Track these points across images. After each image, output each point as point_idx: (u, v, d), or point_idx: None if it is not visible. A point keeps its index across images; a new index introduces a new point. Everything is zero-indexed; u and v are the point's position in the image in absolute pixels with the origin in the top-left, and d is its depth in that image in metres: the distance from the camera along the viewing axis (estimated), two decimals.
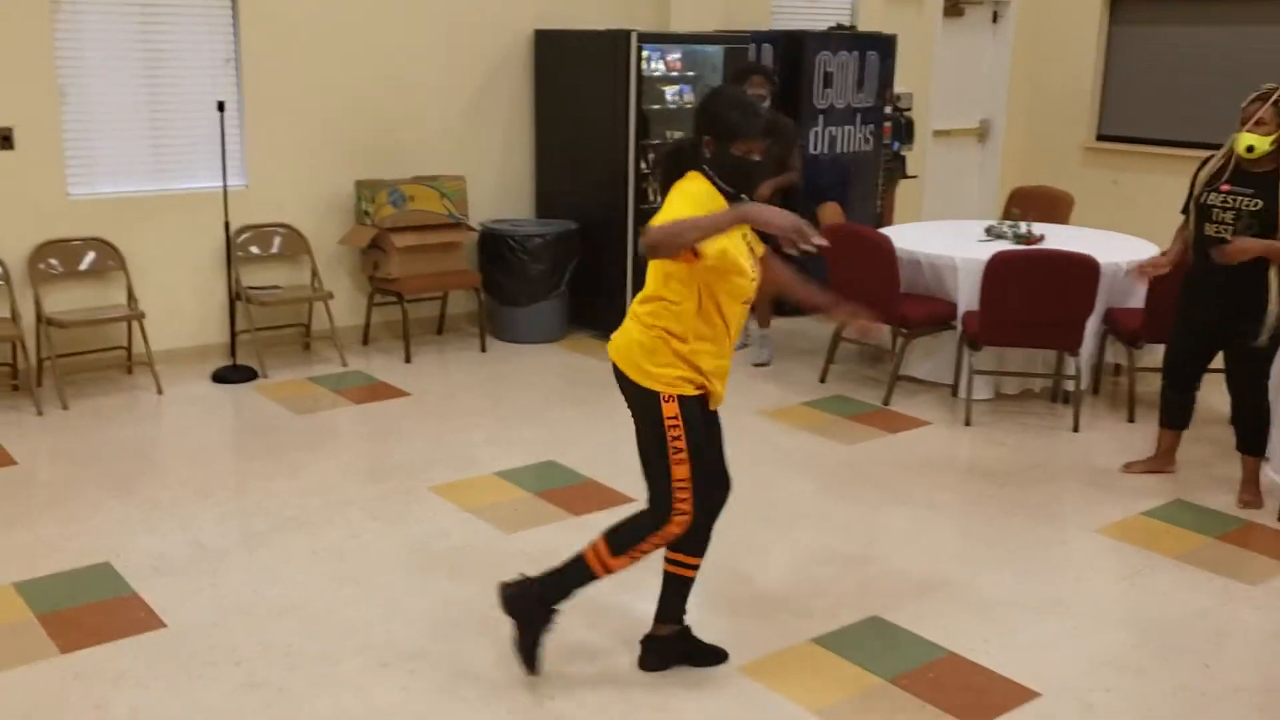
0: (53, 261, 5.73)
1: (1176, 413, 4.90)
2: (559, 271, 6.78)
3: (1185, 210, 4.66)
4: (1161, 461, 5.00)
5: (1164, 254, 4.90)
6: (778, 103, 7.33)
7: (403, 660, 3.35)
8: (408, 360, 6.41)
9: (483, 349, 6.70)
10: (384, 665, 3.33)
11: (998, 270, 5.35)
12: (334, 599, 3.71)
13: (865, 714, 3.14)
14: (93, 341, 5.91)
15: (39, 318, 5.62)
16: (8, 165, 5.58)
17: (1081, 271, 5.31)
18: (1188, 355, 4.77)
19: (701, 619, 3.63)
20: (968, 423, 5.55)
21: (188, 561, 3.95)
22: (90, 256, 5.82)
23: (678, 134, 7.04)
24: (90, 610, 3.59)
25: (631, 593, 3.68)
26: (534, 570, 3.25)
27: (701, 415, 3.08)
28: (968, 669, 3.39)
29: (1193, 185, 4.61)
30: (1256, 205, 4.38)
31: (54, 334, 5.61)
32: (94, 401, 5.59)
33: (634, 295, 7.06)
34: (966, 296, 5.69)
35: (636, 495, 4.57)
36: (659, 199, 3.14)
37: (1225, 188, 4.46)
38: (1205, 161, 4.61)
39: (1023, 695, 3.26)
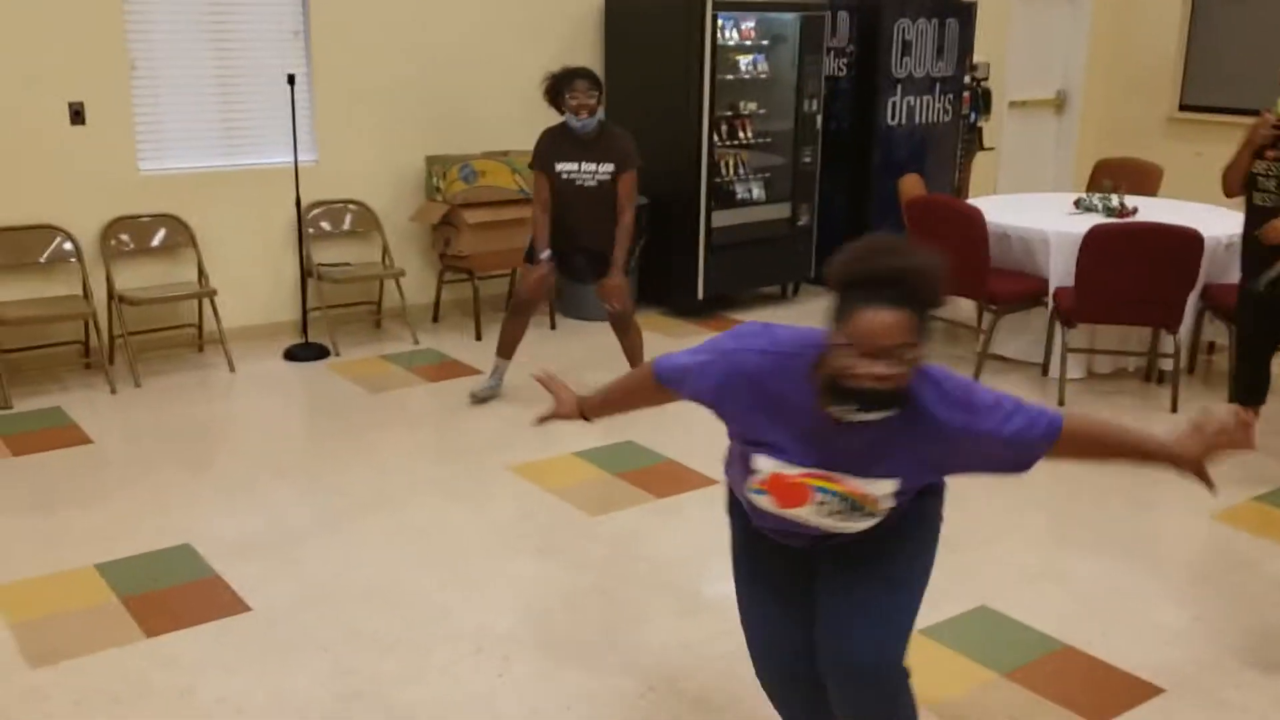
0: (124, 238, 5.67)
1: (1248, 388, 4.77)
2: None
3: None
4: None
5: None
6: (853, 73, 7.16)
7: (496, 645, 3.24)
8: (478, 338, 6.29)
9: (552, 326, 6.57)
10: (478, 651, 3.21)
11: (1095, 244, 5.13)
12: (420, 583, 3.61)
13: (985, 710, 2.98)
14: (165, 319, 5.85)
15: (110, 295, 5.57)
16: (80, 141, 5.52)
17: (1184, 245, 5.07)
18: (1253, 327, 4.69)
19: None
20: (1060, 402, 5.34)
21: (267, 543, 3.86)
22: (161, 233, 5.76)
23: (751, 105, 6.87)
24: (173, 593, 3.51)
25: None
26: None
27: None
28: (1087, 663, 3.21)
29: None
30: None
31: (126, 311, 5.54)
32: (166, 379, 5.53)
33: (706, 272, 6.97)
34: (1059, 271, 5.47)
35: (717, 476, 4.43)
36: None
37: (1270, 155, 4.37)
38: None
39: (1147, 691, 3.08)
